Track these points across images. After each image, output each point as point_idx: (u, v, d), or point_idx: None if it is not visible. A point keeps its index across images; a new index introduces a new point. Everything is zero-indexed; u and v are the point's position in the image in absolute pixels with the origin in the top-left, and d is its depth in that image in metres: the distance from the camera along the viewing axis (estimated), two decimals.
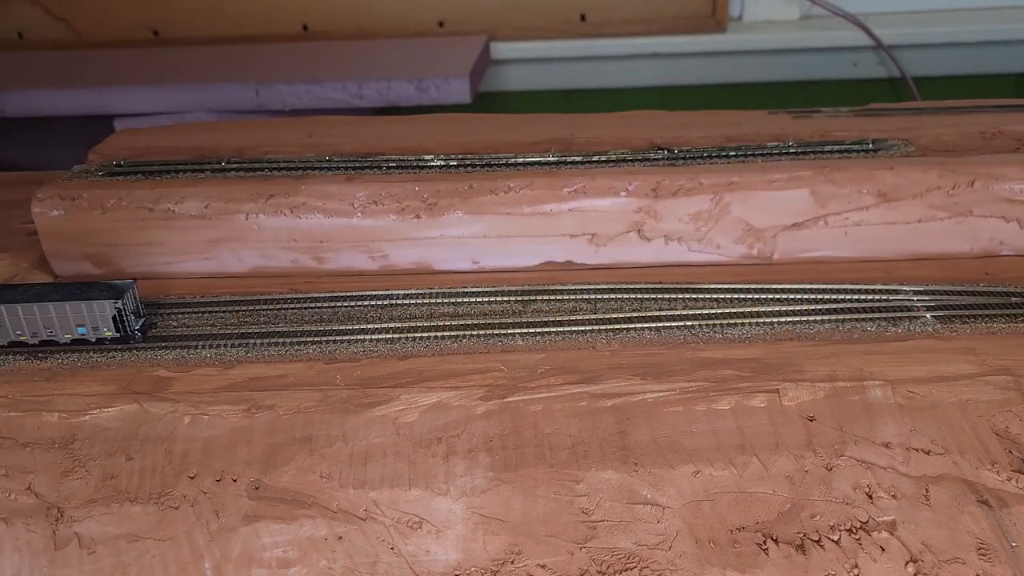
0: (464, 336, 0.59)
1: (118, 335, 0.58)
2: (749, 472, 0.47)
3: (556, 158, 0.74)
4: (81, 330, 0.57)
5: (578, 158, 0.74)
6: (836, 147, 0.75)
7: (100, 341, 0.58)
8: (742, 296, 0.62)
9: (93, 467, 0.50)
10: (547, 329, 0.60)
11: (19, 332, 0.57)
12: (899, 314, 0.60)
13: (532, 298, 0.63)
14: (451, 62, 1.25)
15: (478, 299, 0.63)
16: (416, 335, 0.59)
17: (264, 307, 0.64)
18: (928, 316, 0.59)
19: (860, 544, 0.43)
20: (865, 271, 0.65)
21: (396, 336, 0.59)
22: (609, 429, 0.51)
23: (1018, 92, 1.37)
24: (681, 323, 0.59)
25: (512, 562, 0.43)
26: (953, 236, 0.66)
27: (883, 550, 0.43)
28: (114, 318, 0.57)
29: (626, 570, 0.43)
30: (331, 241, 0.66)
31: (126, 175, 0.72)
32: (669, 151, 0.75)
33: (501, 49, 1.38)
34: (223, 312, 0.63)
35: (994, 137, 0.78)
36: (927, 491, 0.46)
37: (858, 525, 0.44)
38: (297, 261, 0.67)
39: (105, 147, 0.80)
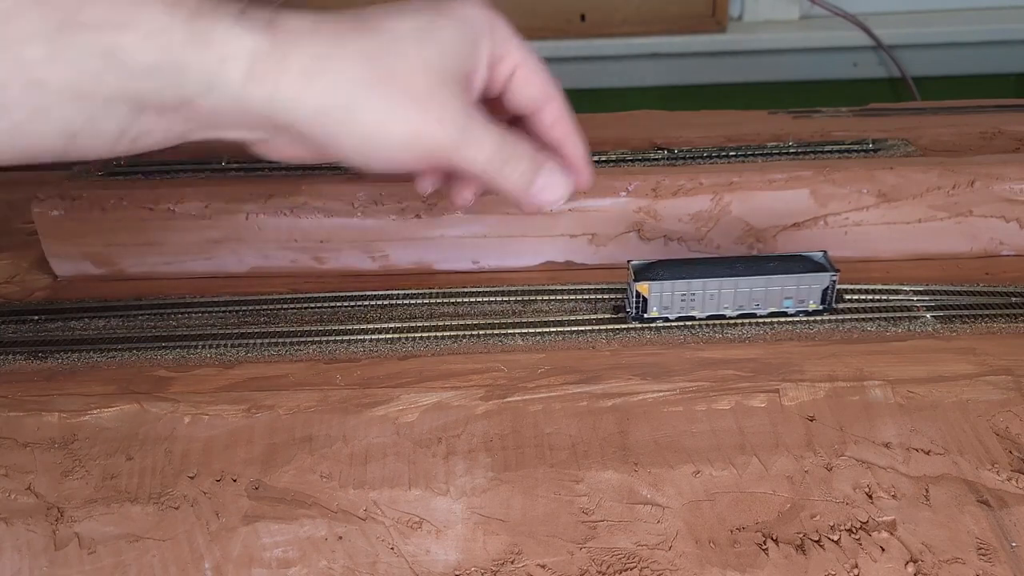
0: (464, 336, 0.59)
1: (822, 307, 0.58)
2: (749, 472, 0.47)
3: None
4: (787, 303, 0.58)
5: None
6: (836, 147, 0.75)
7: (800, 313, 0.59)
8: None
9: (93, 467, 0.50)
10: (547, 329, 0.60)
11: (726, 305, 0.58)
12: (899, 314, 0.60)
13: (532, 298, 0.63)
14: None
15: (478, 299, 0.63)
16: (416, 335, 0.60)
17: (264, 307, 0.64)
18: (928, 316, 0.59)
19: (860, 544, 0.43)
20: (865, 271, 0.65)
21: (396, 336, 0.60)
22: (609, 429, 0.51)
23: (1018, 92, 1.37)
24: (681, 323, 0.59)
25: (512, 562, 0.43)
26: (953, 236, 0.66)
27: (883, 550, 0.43)
28: (824, 290, 0.58)
29: (626, 570, 0.43)
30: (331, 241, 0.66)
31: (126, 175, 0.72)
32: (669, 151, 0.75)
33: None
34: (223, 312, 0.63)
35: (994, 137, 0.78)
36: (927, 491, 0.46)
37: (858, 525, 0.44)
38: (297, 261, 0.67)
39: None
